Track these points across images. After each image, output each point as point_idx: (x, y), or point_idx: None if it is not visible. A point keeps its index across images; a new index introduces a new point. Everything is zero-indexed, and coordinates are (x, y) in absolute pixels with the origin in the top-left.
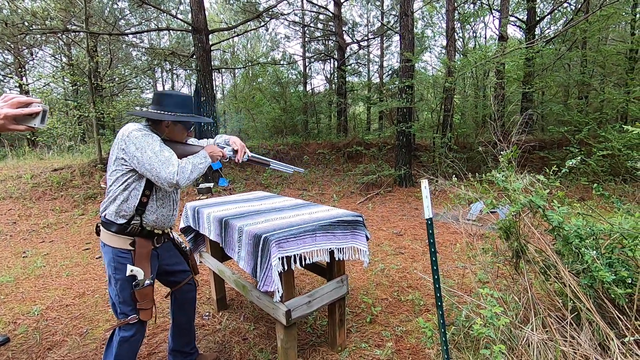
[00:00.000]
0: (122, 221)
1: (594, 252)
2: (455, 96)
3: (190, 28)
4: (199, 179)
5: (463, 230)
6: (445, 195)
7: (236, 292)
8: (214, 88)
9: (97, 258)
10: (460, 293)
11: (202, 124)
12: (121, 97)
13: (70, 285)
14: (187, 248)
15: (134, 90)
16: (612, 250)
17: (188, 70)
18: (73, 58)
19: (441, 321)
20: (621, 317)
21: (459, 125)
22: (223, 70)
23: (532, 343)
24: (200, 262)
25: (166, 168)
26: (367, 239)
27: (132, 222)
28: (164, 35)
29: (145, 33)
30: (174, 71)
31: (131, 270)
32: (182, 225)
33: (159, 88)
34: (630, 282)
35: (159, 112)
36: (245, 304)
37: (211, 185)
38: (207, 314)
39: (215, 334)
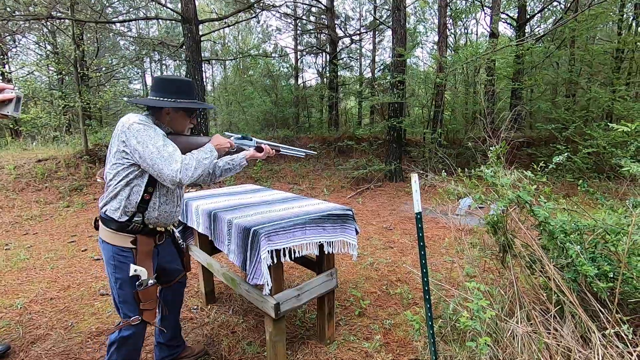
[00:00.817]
0: (124, 218)
1: (578, 247)
2: (445, 92)
3: (179, 17)
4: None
5: (452, 225)
6: (434, 190)
7: (225, 285)
8: (204, 80)
9: (82, 251)
10: (447, 286)
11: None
12: (108, 87)
13: (55, 278)
14: (184, 245)
15: (121, 80)
16: (596, 245)
17: (177, 61)
18: (58, 46)
19: (429, 314)
20: (603, 310)
21: (449, 121)
22: (213, 61)
23: (516, 335)
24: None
25: (169, 165)
26: (357, 232)
27: (134, 219)
28: (152, 25)
29: (133, 22)
30: (163, 61)
31: (135, 270)
32: None
33: (148, 79)
34: (612, 276)
35: (158, 98)
36: (234, 297)
37: None
38: (196, 307)
39: (203, 327)
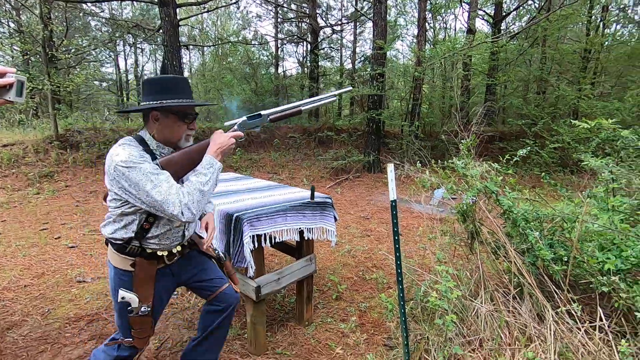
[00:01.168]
0: (119, 241)
1: (537, 233)
2: (424, 86)
3: (156, 0)
4: None
5: (425, 214)
6: (410, 181)
7: None
8: (182, 65)
9: (56, 238)
10: (420, 271)
11: None
12: (79, 69)
13: (28, 266)
14: (220, 254)
15: (92, 63)
16: (554, 232)
17: (154, 46)
18: (23, 24)
19: (401, 295)
20: (557, 290)
21: (426, 114)
22: (191, 47)
23: (480, 314)
24: None
25: (167, 208)
26: (335, 219)
27: (132, 243)
28: (126, 6)
29: (105, 2)
30: (139, 45)
31: (122, 297)
32: None
33: (121, 62)
34: (566, 260)
35: (145, 103)
36: None
37: None
38: (176, 293)
39: (184, 312)
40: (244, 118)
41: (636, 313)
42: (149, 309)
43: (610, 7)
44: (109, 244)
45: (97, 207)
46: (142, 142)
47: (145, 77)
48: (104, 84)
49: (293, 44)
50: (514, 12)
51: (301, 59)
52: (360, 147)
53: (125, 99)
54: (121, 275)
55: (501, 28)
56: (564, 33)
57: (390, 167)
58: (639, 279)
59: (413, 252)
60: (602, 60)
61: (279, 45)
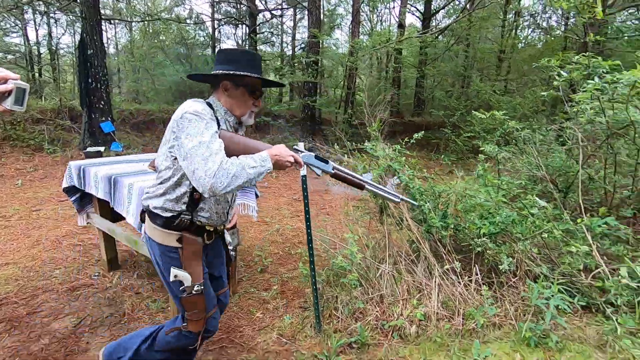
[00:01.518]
0: (168, 214)
1: (429, 204)
2: (361, 75)
3: None
4: (86, 142)
5: (341, 194)
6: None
7: (129, 253)
8: (105, 40)
9: None
10: (340, 244)
11: (90, 80)
12: None
13: None
14: (233, 252)
15: None
16: (447, 205)
17: (71, 16)
18: None
19: (311, 259)
20: (445, 252)
21: (360, 103)
22: (117, 21)
23: (383, 274)
24: (88, 222)
25: (205, 164)
26: (257, 196)
27: (182, 216)
28: None
29: None
30: (52, 15)
31: (175, 276)
32: (65, 185)
33: (31, 33)
34: (453, 227)
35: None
36: (139, 264)
37: (102, 149)
38: (97, 274)
39: (105, 291)
40: (313, 154)
41: (500, 267)
42: (201, 287)
43: (522, 13)
44: (151, 220)
45: (3, 191)
46: (210, 107)
47: (221, 48)
48: (10, 56)
49: (231, 25)
50: (444, 11)
51: (240, 42)
52: (296, 134)
53: (37, 74)
54: (169, 253)
55: (431, 24)
56: (485, 34)
57: (300, 146)
58: (505, 240)
59: (337, 229)
60: (512, 61)
61: (216, 26)
